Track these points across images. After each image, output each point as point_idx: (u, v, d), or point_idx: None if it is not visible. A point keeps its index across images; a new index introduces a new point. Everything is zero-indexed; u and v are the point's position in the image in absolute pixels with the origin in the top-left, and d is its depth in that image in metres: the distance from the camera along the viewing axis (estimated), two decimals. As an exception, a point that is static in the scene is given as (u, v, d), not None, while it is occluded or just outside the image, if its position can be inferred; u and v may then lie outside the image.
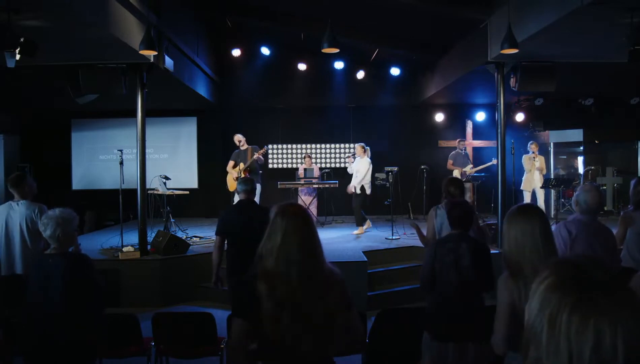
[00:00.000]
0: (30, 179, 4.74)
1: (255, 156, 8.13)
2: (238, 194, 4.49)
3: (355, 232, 8.64)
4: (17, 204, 4.61)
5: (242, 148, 8.31)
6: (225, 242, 4.42)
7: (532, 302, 0.90)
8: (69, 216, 2.99)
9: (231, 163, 8.40)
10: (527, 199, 8.94)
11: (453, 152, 10.24)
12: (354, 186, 8.47)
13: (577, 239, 3.34)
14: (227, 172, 8.53)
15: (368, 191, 8.52)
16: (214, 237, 8.00)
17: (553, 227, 2.57)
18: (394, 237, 8.04)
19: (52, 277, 2.88)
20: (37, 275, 2.95)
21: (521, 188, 9.14)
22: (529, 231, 2.14)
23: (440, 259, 3.05)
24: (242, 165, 8.17)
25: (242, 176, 7.92)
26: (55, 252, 2.96)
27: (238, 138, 8.36)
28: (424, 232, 4.32)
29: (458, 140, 10.36)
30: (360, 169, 8.48)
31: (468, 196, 9.92)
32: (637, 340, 0.79)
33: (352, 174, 8.71)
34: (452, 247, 3.06)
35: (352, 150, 9.99)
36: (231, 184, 8.33)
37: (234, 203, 4.88)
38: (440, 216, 4.07)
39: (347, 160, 9.52)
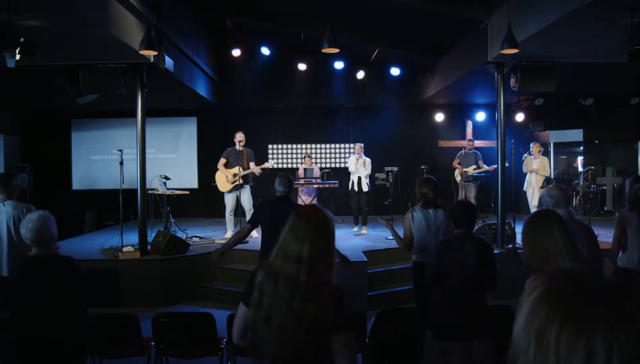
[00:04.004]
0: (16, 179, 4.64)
1: (257, 169, 7.80)
2: (277, 192, 4.78)
3: (362, 231, 8.80)
4: (4, 204, 4.45)
5: (238, 148, 7.83)
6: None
7: (519, 314, 0.81)
8: (47, 217, 2.93)
9: (223, 161, 7.84)
10: (529, 200, 8.99)
11: (461, 151, 10.02)
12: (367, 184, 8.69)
13: None
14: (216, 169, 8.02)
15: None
16: (213, 238, 8.15)
17: None
18: (394, 238, 8.02)
19: (39, 279, 2.86)
20: (23, 277, 2.92)
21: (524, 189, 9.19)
22: (548, 231, 2.07)
23: (445, 258, 3.07)
24: (241, 169, 7.67)
25: (240, 182, 7.71)
26: (40, 254, 2.91)
27: (240, 137, 7.82)
28: (400, 234, 4.37)
29: (467, 139, 10.13)
30: (368, 168, 8.69)
31: (472, 196, 9.90)
32: (634, 360, 0.71)
33: (352, 172, 8.78)
34: (457, 246, 3.08)
35: (352, 150, 10.04)
36: (223, 184, 7.87)
37: (272, 198, 5.07)
38: (417, 218, 4.13)
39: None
